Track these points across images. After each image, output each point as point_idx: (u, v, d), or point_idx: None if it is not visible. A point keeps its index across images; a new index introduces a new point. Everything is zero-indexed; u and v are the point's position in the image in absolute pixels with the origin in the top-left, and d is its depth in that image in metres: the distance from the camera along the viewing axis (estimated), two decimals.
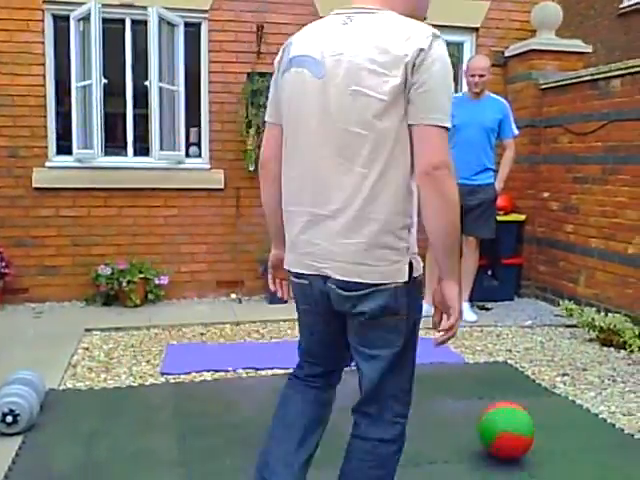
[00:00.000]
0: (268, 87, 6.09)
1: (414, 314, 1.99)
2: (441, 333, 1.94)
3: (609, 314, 4.91)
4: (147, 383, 3.98)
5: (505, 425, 2.96)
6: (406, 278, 1.90)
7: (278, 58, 2.09)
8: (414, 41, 1.78)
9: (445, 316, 1.94)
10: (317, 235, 1.95)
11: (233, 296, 6.04)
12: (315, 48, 1.91)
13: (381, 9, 1.90)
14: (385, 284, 1.88)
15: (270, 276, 2.37)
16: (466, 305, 5.46)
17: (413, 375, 2.09)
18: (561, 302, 5.41)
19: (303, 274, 2.03)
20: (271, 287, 2.39)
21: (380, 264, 1.88)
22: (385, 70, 1.79)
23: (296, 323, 5.66)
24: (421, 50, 1.77)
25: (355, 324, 1.98)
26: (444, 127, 1.80)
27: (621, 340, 4.73)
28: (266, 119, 2.16)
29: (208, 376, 4.11)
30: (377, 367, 1.99)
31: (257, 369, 4.22)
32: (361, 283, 1.89)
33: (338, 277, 1.92)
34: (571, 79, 5.88)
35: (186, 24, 6.02)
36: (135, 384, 3.96)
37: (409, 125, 1.83)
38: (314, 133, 1.91)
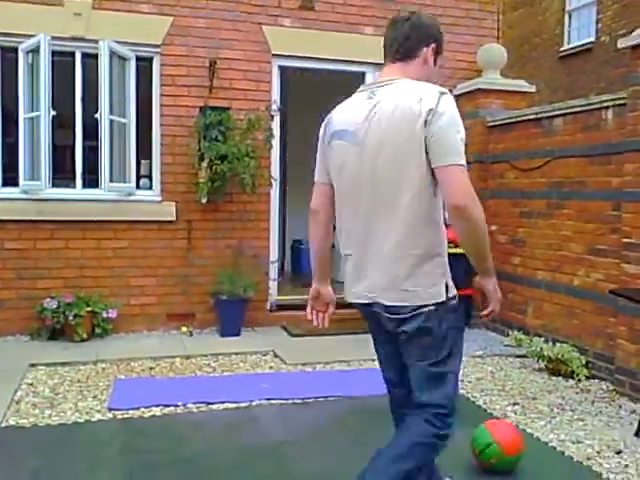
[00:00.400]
0: (220, 121, 6.18)
1: (450, 333, 2.34)
2: (485, 313, 2.41)
3: (557, 344, 5.02)
4: (94, 419, 3.86)
5: None
6: (444, 298, 2.29)
7: (321, 132, 2.55)
8: (425, 102, 2.21)
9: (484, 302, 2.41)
10: (368, 270, 2.36)
11: (184, 329, 5.95)
12: (349, 122, 2.39)
13: (399, 79, 2.35)
14: (423, 306, 2.27)
15: (309, 307, 2.68)
16: None
17: (457, 377, 2.46)
18: (510, 332, 5.51)
19: (360, 304, 2.44)
20: (308, 316, 2.69)
21: (419, 289, 2.27)
22: (405, 128, 2.22)
23: (247, 356, 5.63)
24: (431, 109, 2.19)
25: (399, 340, 2.38)
26: (459, 165, 2.19)
27: (569, 369, 4.83)
28: (315, 180, 2.61)
29: (157, 411, 4.01)
30: (419, 375, 2.38)
31: (208, 403, 4.15)
32: (404, 306, 2.28)
33: (386, 303, 2.32)
34: (516, 117, 6.08)
35: (138, 58, 6.02)
36: (81, 420, 3.84)
37: (432, 168, 2.22)
38: (358, 189, 2.35)
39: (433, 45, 2.42)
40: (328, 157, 2.49)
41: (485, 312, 2.41)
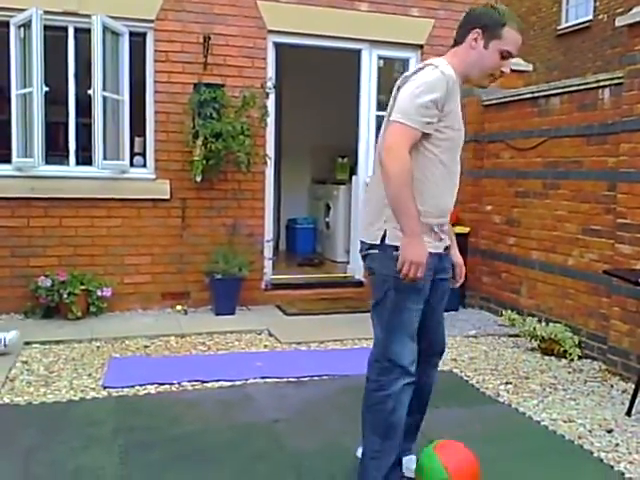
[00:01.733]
0: (215, 98, 6.13)
1: (385, 275, 2.52)
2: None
3: (550, 324, 5.04)
4: (88, 397, 3.87)
5: None
6: (378, 242, 2.53)
7: None
8: (407, 73, 2.55)
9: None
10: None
11: (179, 308, 5.96)
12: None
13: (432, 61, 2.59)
14: (372, 247, 2.56)
15: None
16: None
17: (390, 328, 2.55)
18: (504, 312, 5.53)
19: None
20: None
21: (370, 229, 2.58)
22: (393, 95, 2.56)
23: (242, 335, 5.64)
24: (406, 76, 2.53)
25: None
26: (400, 122, 2.39)
27: (562, 349, 4.85)
28: None
29: (152, 389, 4.03)
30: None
31: (203, 382, 4.16)
32: (363, 242, 2.64)
33: (364, 240, 2.65)
34: (512, 96, 6.05)
35: (131, 33, 5.94)
36: (76, 398, 3.84)
37: None
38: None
39: (478, 30, 2.55)
40: None
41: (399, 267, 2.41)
